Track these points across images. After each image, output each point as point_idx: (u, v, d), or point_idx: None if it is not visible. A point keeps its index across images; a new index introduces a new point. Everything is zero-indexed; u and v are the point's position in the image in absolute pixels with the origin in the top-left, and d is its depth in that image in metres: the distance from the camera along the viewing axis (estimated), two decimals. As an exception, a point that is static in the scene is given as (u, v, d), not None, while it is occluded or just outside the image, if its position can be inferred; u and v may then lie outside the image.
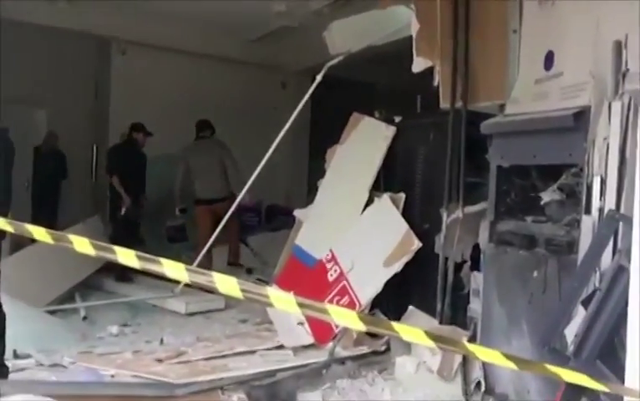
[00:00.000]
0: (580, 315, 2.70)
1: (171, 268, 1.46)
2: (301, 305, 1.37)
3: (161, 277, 5.60)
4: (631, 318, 1.49)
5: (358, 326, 1.36)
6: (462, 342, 1.27)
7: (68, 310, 5.21)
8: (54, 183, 7.81)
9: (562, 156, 3.29)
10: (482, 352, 1.25)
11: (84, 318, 5.09)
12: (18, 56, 7.26)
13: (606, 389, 1.14)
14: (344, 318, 1.41)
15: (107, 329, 4.80)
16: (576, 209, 3.17)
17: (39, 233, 1.90)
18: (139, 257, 1.53)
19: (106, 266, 6.24)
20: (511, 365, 1.18)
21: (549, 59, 3.55)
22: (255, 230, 8.19)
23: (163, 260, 1.52)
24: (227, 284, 1.43)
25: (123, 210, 6.52)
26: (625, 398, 1.53)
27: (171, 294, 5.68)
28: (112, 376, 3.71)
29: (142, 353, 4.20)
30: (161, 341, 4.53)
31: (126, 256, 1.54)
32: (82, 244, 1.64)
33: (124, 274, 6.16)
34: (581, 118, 3.11)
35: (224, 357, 4.13)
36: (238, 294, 1.41)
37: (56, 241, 1.78)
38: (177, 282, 5.63)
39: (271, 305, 1.40)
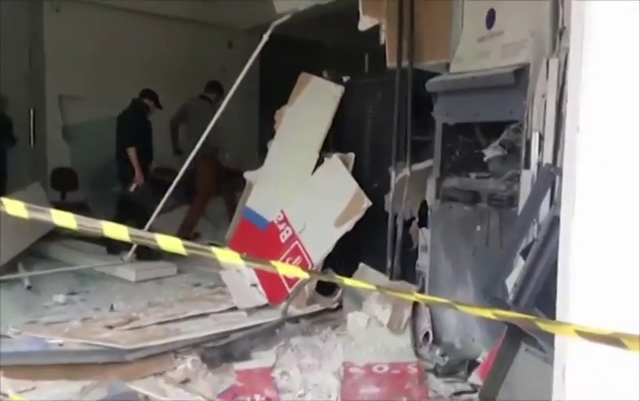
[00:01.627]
0: (519, 265, 2.84)
1: (112, 229, 1.43)
2: (245, 259, 1.38)
3: (110, 244, 5.44)
4: (561, 261, 1.58)
5: (303, 275, 1.38)
6: (408, 289, 1.32)
7: (11, 280, 5.01)
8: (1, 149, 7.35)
9: (503, 113, 3.39)
10: (425, 298, 1.30)
11: (29, 288, 4.93)
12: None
13: (538, 326, 1.21)
14: (289, 270, 1.43)
15: (53, 298, 4.67)
16: (516, 164, 3.29)
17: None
18: (77, 219, 1.48)
19: (51, 233, 6.04)
20: (452, 307, 1.23)
21: (490, 18, 3.62)
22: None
23: (103, 222, 1.48)
24: (170, 242, 1.42)
25: (133, 187, 6.21)
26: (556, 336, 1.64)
27: (121, 261, 5.57)
28: (60, 344, 3.63)
29: (91, 321, 4.13)
30: (111, 308, 4.46)
31: (63, 218, 1.49)
32: (15, 207, 1.57)
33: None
34: (521, 75, 3.21)
35: (176, 321, 4.11)
36: (181, 250, 1.40)
37: None
38: (127, 249, 5.54)
39: (214, 258, 1.40)
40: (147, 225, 5.22)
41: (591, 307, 1.55)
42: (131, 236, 1.50)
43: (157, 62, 8.36)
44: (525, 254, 2.76)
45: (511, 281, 2.85)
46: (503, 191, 3.33)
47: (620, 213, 1.59)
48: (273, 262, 1.37)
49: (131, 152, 6.25)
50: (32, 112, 8.14)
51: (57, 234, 6.27)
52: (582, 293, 1.56)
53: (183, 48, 8.67)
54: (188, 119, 7.04)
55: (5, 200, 1.76)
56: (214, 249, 1.42)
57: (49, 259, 5.90)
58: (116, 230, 1.50)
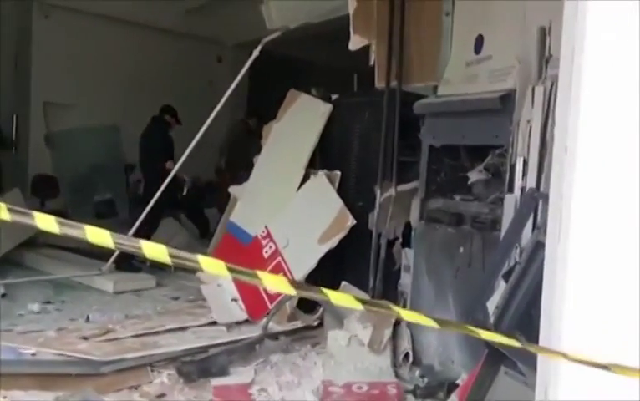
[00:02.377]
0: (501, 288, 2.85)
1: (95, 234, 1.39)
2: (231, 269, 1.35)
3: (89, 254, 5.35)
4: (546, 285, 1.59)
5: (289, 290, 1.36)
6: (387, 303, 1.31)
7: (-16, 288, 4.90)
8: None
9: (489, 137, 3.43)
10: (406, 314, 1.29)
11: (3, 295, 4.81)
12: None
13: (518, 345, 1.21)
14: (275, 283, 1.41)
15: (28, 307, 4.56)
16: (500, 188, 3.32)
17: None
18: (59, 223, 1.44)
19: (28, 241, 5.93)
20: (432, 324, 1.23)
21: (479, 43, 3.67)
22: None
23: (85, 226, 1.44)
24: (155, 250, 1.39)
25: (185, 190, 6.39)
26: (538, 357, 1.64)
27: (99, 272, 5.48)
28: (33, 354, 3.54)
29: (66, 331, 4.03)
30: (87, 318, 4.36)
31: (44, 222, 1.45)
32: (-2, 209, 1.52)
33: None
34: (507, 100, 3.25)
35: (154, 334, 4.04)
36: (166, 259, 1.37)
37: None
38: (105, 260, 5.45)
39: (200, 269, 1.37)
40: (130, 233, 5.14)
41: (577, 332, 1.55)
42: (115, 242, 1.46)
43: (145, 73, 8.34)
44: (507, 277, 2.77)
45: (493, 303, 2.85)
46: (486, 214, 3.36)
47: (608, 235, 1.61)
48: (260, 273, 1.35)
49: (170, 164, 6.17)
50: (15, 118, 8.03)
51: (34, 242, 6.16)
52: (568, 317, 1.56)
53: (172, 60, 8.67)
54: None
55: (-17, 201, 1.71)
56: (199, 257, 1.39)
57: (25, 267, 5.78)
58: (99, 236, 1.46)
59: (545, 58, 3.13)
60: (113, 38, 8.21)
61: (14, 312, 4.45)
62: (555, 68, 3.09)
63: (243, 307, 4.60)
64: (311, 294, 1.38)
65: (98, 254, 5.65)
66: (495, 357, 2.59)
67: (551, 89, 3.05)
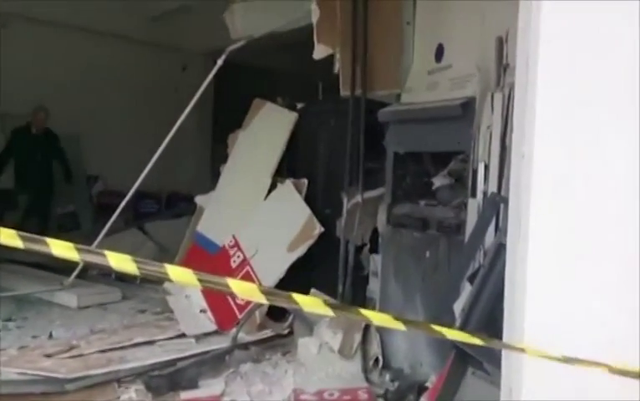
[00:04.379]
0: (467, 290, 2.92)
1: (59, 247, 1.37)
2: (200, 280, 1.36)
3: (51, 268, 5.21)
4: (507, 286, 1.65)
5: (259, 298, 1.37)
6: (356, 308, 1.34)
7: (-60, 306, 4.71)
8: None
9: (451, 143, 3.51)
10: (374, 316, 1.33)
11: (-39, 314, 4.64)
12: None
13: (482, 343, 1.26)
14: (245, 291, 1.42)
15: (-13, 325, 4.41)
16: (463, 192, 3.40)
17: None
18: (21, 237, 1.42)
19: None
20: (400, 326, 1.26)
21: (439, 52, 3.77)
22: (154, 217, 7.89)
23: (48, 239, 1.42)
24: (121, 260, 1.38)
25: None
26: (503, 356, 1.69)
27: (60, 286, 5.33)
28: (-6, 375, 3.42)
29: (28, 349, 3.91)
30: (50, 335, 4.24)
31: (7, 237, 1.42)
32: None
33: None
34: (468, 107, 3.34)
35: (121, 348, 3.95)
36: (133, 269, 1.36)
37: None
38: (69, 274, 5.32)
39: (169, 279, 1.36)
40: (94, 245, 5.04)
41: (537, 328, 1.61)
42: (78, 250, 1.44)
43: (108, 82, 8.19)
44: (472, 280, 2.84)
45: (459, 306, 2.92)
46: (451, 219, 3.43)
47: (564, 235, 1.68)
48: (230, 281, 1.36)
49: None
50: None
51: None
52: (529, 314, 1.62)
53: (136, 69, 8.55)
54: None
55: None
56: (168, 267, 1.39)
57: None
58: (63, 248, 1.44)
59: (503, 66, 3.23)
60: (74, 47, 8.04)
61: (-27, 331, 4.30)
62: (512, 75, 3.20)
63: (212, 317, 4.56)
64: (281, 301, 1.40)
65: (59, 268, 5.51)
66: (462, 358, 2.65)
67: (509, 96, 3.16)
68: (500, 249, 2.62)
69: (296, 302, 1.36)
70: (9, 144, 6.92)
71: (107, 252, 1.60)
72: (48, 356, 3.72)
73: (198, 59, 9.10)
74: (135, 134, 8.11)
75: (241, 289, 1.57)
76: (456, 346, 2.65)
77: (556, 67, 1.92)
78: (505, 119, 3.11)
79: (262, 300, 1.47)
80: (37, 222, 5.69)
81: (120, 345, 4.01)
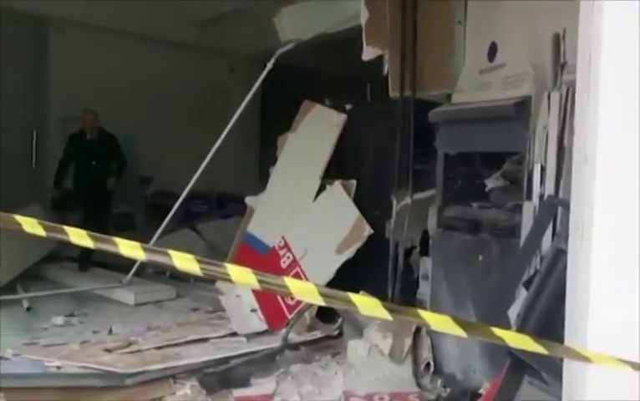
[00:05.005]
0: (522, 296, 2.85)
1: (127, 247, 1.43)
2: (260, 280, 1.39)
3: (109, 266, 5.44)
4: (569, 292, 1.60)
5: (317, 299, 1.39)
6: (415, 310, 1.33)
7: (10, 301, 4.98)
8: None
9: (505, 144, 3.43)
10: (433, 319, 1.31)
11: (28, 309, 4.90)
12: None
13: (545, 351, 1.23)
14: (303, 292, 1.44)
15: (52, 320, 4.64)
16: (518, 195, 3.31)
17: None
18: (91, 237, 1.49)
19: (50, 255, 6.03)
20: (459, 331, 1.25)
21: (492, 50, 3.68)
22: (205, 218, 8.09)
23: (117, 239, 1.49)
24: (185, 261, 1.43)
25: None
26: (565, 364, 1.65)
27: (119, 284, 5.55)
28: (58, 367, 3.60)
29: (89, 344, 4.10)
30: (110, 330, 4.43)
31: (78, 237, 1.50)
32: (31, 224, 1.59)
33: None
34: (522, 107, 3.26)
35: (176, 345, 4.09)
36: (196, 269, 1.41)
37: (2, 222, 1.71)
38: (126, 272, 5.53)
39: (230, 280, 1.40)
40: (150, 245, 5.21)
41: (601, 336, 1.56)
42: (145, 250, 1.50)
43: (159, 86, 8.44)
44: (527, 285, 2.76)
45: (514, 311, 2.85)
46: (505, 221, 3.35)
47: (629, 240, 1.62)
48: (288, 280, 1.38)
49: None
50: (34, 134, 8.17)
51: (55, 256, 6.26)
52: (592, 323, 1.57)
53: (186, 72, 8.77)
54: None
55: (21, 217, 1.78)
56: (229, 269, 1.43)
57: (48, 281, 5.88)
58: (130, 248, 1.50)
59: (560, 65, 3.13)
60: (128, 53, 8.33)
61: (38, 326, 4.54)
62: (570, 73, 3.10)
63: (262, 317, 4.64)
64: (339, 303, 1.41)
65: (118, 266, 5.74)
66: (518, 365, 2.58)
67: (567, 95, 3.06)
68: (558, 254, 2.54)
69: (354, 304, 1.37)
70: (67, 149, 6.90)
71: (171, 252, 1.66)
72: (108, 351, 3.89)
73: (246, 63, 9.26)
74: (185, 137, 8.34)
75: (299, 290, 1.59)
76: (512, 353, 2.59)
77: (619, 66, 1.85)
78: (563, 119, 3.01)
79: (320, 301, 1.48)
80: (95, 224, 5.87)
81: (175, 342, 4.14)
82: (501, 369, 2.76)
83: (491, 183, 3.53)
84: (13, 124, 7.73)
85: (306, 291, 1.56)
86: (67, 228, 1.71)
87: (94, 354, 3.82)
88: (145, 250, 1.61)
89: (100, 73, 8.02)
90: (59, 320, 4.64)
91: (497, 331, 1.26)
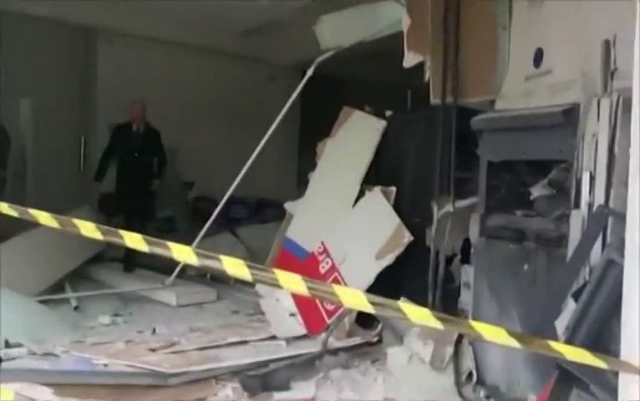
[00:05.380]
0: (570, 307, 2.78)
1: (179, 252, 1.49)
2: (309, 287, 1.41)
3: (152, 268, 5.60)
4: (625, 304, 1.56)
5: (366, 307, 1.40)
6: (466, 320, 1.33)
7: (58, 300, 5.18)
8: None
9: (552, 152, 3.37)
10: (486, 330, 1.30)
11: (76, 308, 5.08)
12: (4, 46, 7.15)
13: (605, 366, 1.20)
14: (350, 298, 1.46)
15: (98, 319, 4.79)
16: (565, 203, 3.24)
17: (44, 217, 1.93)
18: (146, 241, 1.55)
19: (96, 256, 6.24)
20: (514, 343, 1.24)
21: (538, 57, 3.62)
22: (245, 223, 8.21)
23: (170, 243, 1.55)
24: (236, 266, 1.47)
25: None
26: (620, 377, 1.61)
27: (162, 285, 5.69)
28: (105, 365, 3.72)
29: (134, 343, 4.21)
30: (153, 331, 4.54)
31: (133, 240, 1.56)
32: (88, 229, 1.66)
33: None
34: (571, 114, 3.19)
35: (217, 347, 4.16)
36: (247, 275, 1.45)
37: (62, 225, 1.80)
38: (169, 273, 5.67)
39: (279, 286, 1.44)
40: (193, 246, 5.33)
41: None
42: (197, 254, 1.55)
43: (202, 93, 8.63)
44: (576, 296, 2.70)
45: (561, 323, 2.79)
46: (551, 231, 3.29)
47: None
48: (335, 289, 1.40)
49: None
50: (83, 139, 8.47)
51: (101, 257, 6.47)
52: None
53: (226, 81, 8.94)
54: None
55: (78, 221, 1.87)
56: (278, 274, 1.46)
57: (94, 281, 6.07)
58: (182, 252, 1.55)
59: (610, 71, 3.06)
60: (171, 61, 8.56)
61: (86, 324, 4.69)
62: (621, 80, 3.02)
63: (301, 321, 4.67)
64: (389, 311, 1.42)
65: (161, 267, 5.89)
66: (567, 378, 2.53)
67: (617, 102, 2.99)
68: (609, 265, 2.48)
69: (404, 313, 1.38)
70: (112, 139, 6.74)
71: (222, 257, 1.71)
72: (152, 350, 3.99)
73: (286, 71, 9.37)
74: (226, 143, 8.50)
75: (348, 297, 1.61)
76: (560, 365, 2.53)
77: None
78: (614, 126, 2.94)
79: (369, 309, 1.50)
80: (138, 224, 5.99)
81: (216, 344, 4.21)
82: (548, 381, 2.70)
83: (537, 191, 3.46)
84: (64, 130, 8.05)
85: (354, 299, 1.58)
86: (122, 232, 1.78)
87: (139, 353, 3.93)
88: (198, 255, 1.67)
89: (145, 81, 8.25)
90: (106, 319, 4.79)
91: (554, 344, 1.24)
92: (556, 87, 3.44)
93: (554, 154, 3.36)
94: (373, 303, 1.51)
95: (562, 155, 3.28)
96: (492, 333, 1.31)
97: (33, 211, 2.03)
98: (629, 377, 1.49)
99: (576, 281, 2.76)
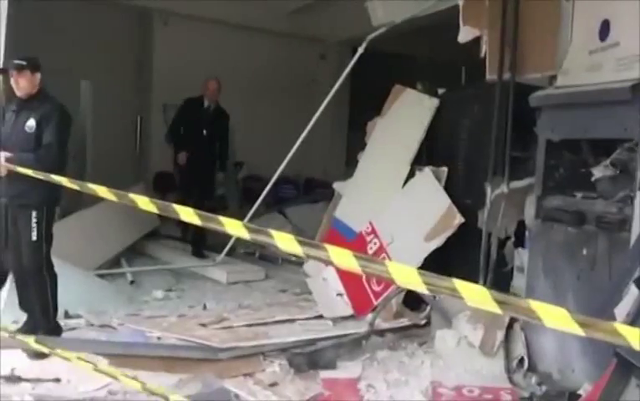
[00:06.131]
0: (632, 294, 2.63)
1: (231, 226, 1.49)
2: (362, 265, 1.38)
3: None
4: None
5: (418, 284, 1.36)
6: (527, 303, 1.25)
7: (115, 274, 5.40)
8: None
9: (616, 130, 3.17)
10: (547, 314, 1.23)
11: (132, 282, 5.27)
12: (63, 28, 7.42)
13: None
14: (403, 276, 1.41)
15: (152, 293, 4.96)
16: (629, 185, 3.05)
17: (103, 191, 1.99)
18: (199, 216, 1.57)
19: (151, 232, 6.44)
20: (578, 330, 1.16)
21: (604, 29, 3.40)
22: (293, 202, 8.26)
23: (222, 218, 1.55)
24: (287, 241, 1.46)
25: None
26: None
27: (213, 263, 5.81)
28: (158, 338, 3.84)
29: (186, 318, 4.34)
30: (204, 306, 4.66)
31: (187, 214, 1.58)
32: (144, 202, 1.70)
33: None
34: (639, 90, 2.98)
35: (265, 324, 4.22)
36: (298, 250, 1.44)
37: (119, 198, 1.86)
38: (220, 252, 5.79)
39: (331, 263, 1.42)
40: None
41: None
42: (248, 229, 1.54)
43: (253, 73, 8.69)
44: (639, 283, 2.55)
45: (622, 310, 2.65)
46: (614, 214, 3.10)
47: None
48: (388, 265, 1.36)
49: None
50: (139, 119, 8.73)
51: (156, 234, 6.68)
52: None
53: (278, 60, 8.95)
54: None
55: (135, 196, 1.91)
56: (329, 249, 1.44)
57: (148, 256, 6.29)
58: (234, 227, 1.55)
59: (684, 43, 2.83)
60: (224, 41, 8.63)
61: (141, 298, 4.87)
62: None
63: (348, 301, 4.66)
64: (442, 290, 1.37)
65: (212, 246, 6.02)
66: (626, 366, 2.40)
67: (691, 76, 2.77)
68: (676, 250, 2.31)
69: (459, 294, 1.32)
70: (181, 112, 6.48)
71: (273, 232, 1.70)
72: (203, 325, 4.09)
73: (336, 48, 9.28)
74: (276, 123, 8.53)
75: (401, 275, 1.56)
76: (618, 353, 2.40)
77: None
78: (687, 102, 2.73)
79: (423, 289, 1.45)
80: (197, 202, 5.64)
81: (264, 321, 4.27)
82: (605, 370, 2.57)
83: (599, 172, 3.27)
84: (121, 110, 8.31)
85: (408, 277, 1.53)
86: (177, 207, 1.81)
87: (190, 328, 4.04)
88: (249, 229, 1.66)
89: (199, 62, 8.36)
90: (159, 294, 4.95)
91: (621, 328, 1.15)
92: (622, 61, 3.22)
93: (619, 133, 3.15)
94: (426, 283, 1.46)
95: (628, 134, 3.07)
96: (553, 318, 1.23)
97: (93, 186, 2.11)
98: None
99: (639, 267, 2.60)
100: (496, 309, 1.23)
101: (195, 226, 5.10)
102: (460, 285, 1.26)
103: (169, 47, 8.41)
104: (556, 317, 1.16)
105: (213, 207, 7.29)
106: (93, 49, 7.85)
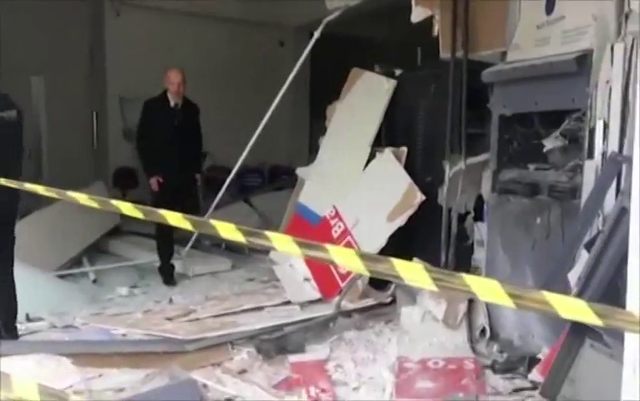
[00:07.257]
0: (583, 258, 2.73)
1: (225, 230, 1.48)
2: (302, 248, 1.39)
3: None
4: (631, 254, 1.51)
5: (357, 265, 1.37)
6: (461, 278, 1.27)
7: (77, 274, 5.28)
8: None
9: (565, 101, 3.27)
10: (479, 286, 1.26)
11: (94, 281, 5.16)
12: (13, 23, 7.14)
13: (600, 323, 1.14)
14: (343, 257, 1.42)
15: (116, 291, 4.87)
16: (578, 154, 3.16)
17: (81, 197, 1.94)
18: (189, 219, 1.55)
19: (113, 230, 6.31)
20: (509, 302, 1.20)
21: (550, 3, 3.49)
22: (258, 191, 8.22)
23: (214, 221, 1.54)
24: (230, 231, 1.46)
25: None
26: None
27: (178, 256, 5.74)
28: (123, 335, 3.79)
29: (152, 313, 4.28)
30: (170, 300, 4.61)
31: (173, 218, 1.56)
32: (127, 208, 1.67)
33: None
34: (584, 61, 3.08)
35: (233, 314, 4.20)
36: (241, 239, 1.43)
37: (101, 205, 1.82)
38: (184, 245, 5.71)
39: (274, 248, 1.41)
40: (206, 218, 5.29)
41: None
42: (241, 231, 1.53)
43: (211, 62, 8.55)
44: (589, 247, 2.65)
45: (574, 275, 2.75)
46: (564, 183, 3.21)
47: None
48: (329, 248, 1.37)
49: None
50: (94, 114, 8.50)
51: (118, 231, 6.55)
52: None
53: (236, 47, 8.83)
54: None
55: (77, 194, 1.87)
56: (272, 236, 1.44)
57: (111, 254, 6.16)
58: (227, 230, 1.54)
59: (624, 14, 2.93)
60: (180, 31, 8.45)
61: (104, 296, 4.78)
62: (635, 23, 2.89)
63: (315, 286, 4.69)
64: (380, 268, 1.38)
65: (176, 239, 5.93)
66: (580, 329, 2.50)
67: (632, 46, 2.87)
68: (622, 213, 2.42)
69: (396, 273, 1.33)
70: (144, 119, 5.27)
71: (215, 222, 1.69)
72: (169, 319, 4.05)
73: (294, 34, 9.22)
74: (237, 112, 8.44)
75: (343, 257, 1.57)
76: (572, 317, 2.50)
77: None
78: (628, 71, 2.83)
79: (363, 270, 1.46)
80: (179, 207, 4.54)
81: (232, 311, 4.26)
82: (561, 333, 2.68)
83: (550, 143, 3.37)
84: (76, 105, 8.07)
85: (348, 259, 1.54)
86: (164, 212, 1.77)
87: (157, 323, 3.99)
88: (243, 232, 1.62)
89: (155, 52, 8.19)
90: (124, 291, 4.87)
91: (549, 296, 1.19)
92: (568, 33, 3.32)
93: (567, 104, 3.26)
94: (365, 260, 1.47)
95: (575, 104, 3.18)
96: (486, 291, 1.26)
97: (70, 193, 2.05)
98: (631, 328, 1.45)
99: (589, 231, 2.70)
100: (432, 286, 1.26)
101: (162, 249, 5.04)
102: (398, 264, 1.28)
103: (121, 38, 8.19)
104: (488, 290, 1.19)
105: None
106: (46, 43, 7.57)
